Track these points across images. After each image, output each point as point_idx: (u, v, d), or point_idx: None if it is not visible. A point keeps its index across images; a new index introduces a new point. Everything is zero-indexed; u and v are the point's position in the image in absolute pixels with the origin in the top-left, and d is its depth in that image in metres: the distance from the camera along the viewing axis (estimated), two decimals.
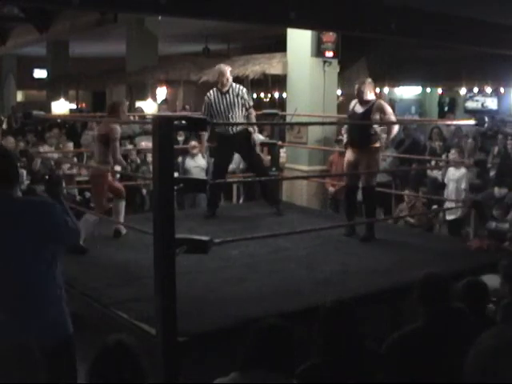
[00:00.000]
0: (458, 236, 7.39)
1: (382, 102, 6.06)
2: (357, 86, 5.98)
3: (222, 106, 6.50)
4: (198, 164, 8.83)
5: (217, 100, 6.52)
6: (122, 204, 5.88)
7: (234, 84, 6.58)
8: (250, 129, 6.68)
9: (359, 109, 5.95)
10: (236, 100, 6.50)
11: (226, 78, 6.51)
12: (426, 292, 2.95)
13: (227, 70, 6.59)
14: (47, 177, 6.98)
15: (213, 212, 6.83)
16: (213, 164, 7.26)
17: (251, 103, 6.67)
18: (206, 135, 6.93)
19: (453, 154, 8.06)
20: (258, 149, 6.99)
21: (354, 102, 6.05)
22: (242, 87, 6.64)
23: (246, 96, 6.57)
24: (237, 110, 6.51)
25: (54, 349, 2.84)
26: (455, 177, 7.80)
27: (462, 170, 7.80)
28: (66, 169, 8.61)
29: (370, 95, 5.91)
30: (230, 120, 6.53)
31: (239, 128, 6.62)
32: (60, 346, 2.88)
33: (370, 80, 6.08)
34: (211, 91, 6.63)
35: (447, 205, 8.08)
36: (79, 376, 2.87)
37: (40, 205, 2.92)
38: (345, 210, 6.46)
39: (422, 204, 8.16)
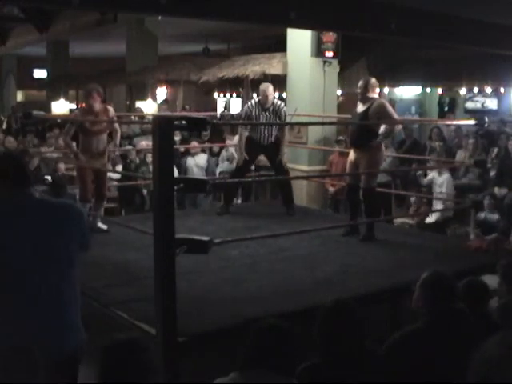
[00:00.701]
0: None
1: (382, 102, 5.96)
2: (359, 84, 5.94)
3: (260, 120, 6.76)
4: (198, 163, 8.86)
5: (257, 113, 6.75)
6: (101, 207, 6.17)
7: (275, 101, 6.82)
8: (282, 153, 7.01)
9: (360, 108, 5.93)
10: (274, 118, 6.75)
11: (266, 97, 6.69)
12: (429, 291, 2.94)
13: (270, 89, 6.77)
14: (50, 179, 7.05)
15: (227, 209, 7.02)
16: (236, 162, 7.38)
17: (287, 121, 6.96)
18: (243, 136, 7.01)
19: (433, 159, 8.15)
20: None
21: (358, 102, 6.04)
22: (282, 106, 6.83)
23: (283, 116, 6.82)
24: (273, 127, 6.82)
25: (71, 353, 2.80)
26: (438, 181, 7.82)
27: (445, 176, 7.79)
28: (63, 169, 8.59)
29: (371, 94, 5.88)
30: (266, 134, 6.82)
31: (271, 140, 6.88)
32: (76, 352, 2.84)
33: (373, 79, 6.03)
34: (253, 102, 6.84)
35: (436, 206, 8.07)
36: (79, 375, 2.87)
37: (71, 207, 2.90)
38: (348, 209, 6.47)
39: (426, 205, 8.16)
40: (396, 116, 6.08)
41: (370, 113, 5.77)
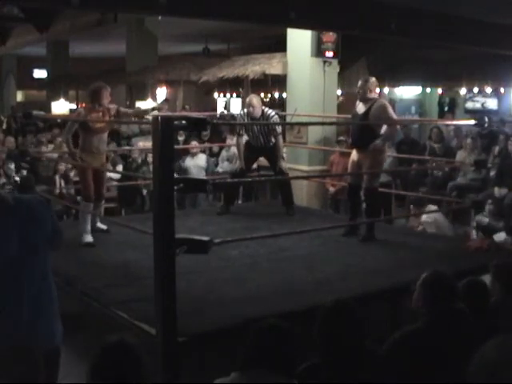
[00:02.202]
0: None
1: (384, 103, 5.92)
2: (359, 84, 5.91)
3: (251, 130, 6.81)
4: (197, 163, 8.86)
5: (249, 125, 6.80)
6: (99, 207, 6.00)
7: (265, 110, 6.79)
8: (280, 160, 6.97)
9: (361, 108, 5.90)
10: (265, 127, 6.78)
11: (253, 108, 6.67)
12: (429, 291, 2.94)
13: (254, 101, 6.74)
14: (19, 180, 6.98)
15: (227, 209, 7.04)
16: (236, 168, 7.39)
17: (279, 131, 6.90)
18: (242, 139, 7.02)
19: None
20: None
21: (358, 102, 6.02)
22: (272, 114, 6.78)
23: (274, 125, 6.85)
24: (266, 134, 6.81)
25: (52, 351, 2.86)
26: (429, 220, 7.56)
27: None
28: (63, 169, 8.59)
29: (371, 94, 5.85)
30: (262, 141, 6.85)
31: (268, 145, 6.88)
32: (57, 350, 2.91)
33: (373, 79, 5.98)
34: (244, 112, 6.82)
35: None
36: (77, 376, 2.88)
37: (38, 203, 2.95)
38: (349, 209, 6.47)
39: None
40: (395, 117, 6.06)
41: (370, 113, 5.75)
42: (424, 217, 6.90)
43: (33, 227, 2.82)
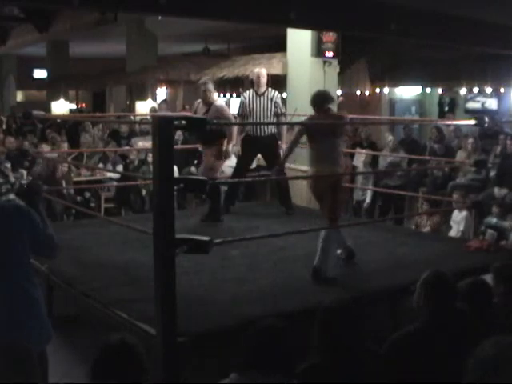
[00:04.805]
0: None
1: (220, 104, 6.56)
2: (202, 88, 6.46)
3: (255, 107, 6.73)
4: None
5: (252, 100, 6.76)
6: None
7: (270, 89, 6.83)
8: (281, 143, 6.95)
9: (201, 109, 6.45)
10: (269, 104, 6.73)
11: (258, 78, 6.75)
12: (430, 291, 2.94)
13: (263, 71, 6.85)
14: (26, 185, 6.89)
15: (227, 209, 7.03)
16: (236, 162, 7.35)
17: (283, 110, 6.90)
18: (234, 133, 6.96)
19: (456, 194, 7.75)
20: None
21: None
22: (277, 93, 6.84)
23: (279, 101, 6.81)
24: (269, 113, 6.74)
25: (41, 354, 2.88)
26: (457, 219, 7.43)
27: (464, 213, 7.55)
28: (62, 169, 8.57)
29: (211, 99, 6.42)
30: (262, 121, 6.80)
31: (268, 132, 6.83)
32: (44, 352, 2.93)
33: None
34: (248, 91, 6.91)
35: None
36: (77, 376, 2.88)
37: (19, 208, 2.97)
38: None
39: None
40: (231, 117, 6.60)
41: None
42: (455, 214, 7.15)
43: (7, 235, 2.84)
